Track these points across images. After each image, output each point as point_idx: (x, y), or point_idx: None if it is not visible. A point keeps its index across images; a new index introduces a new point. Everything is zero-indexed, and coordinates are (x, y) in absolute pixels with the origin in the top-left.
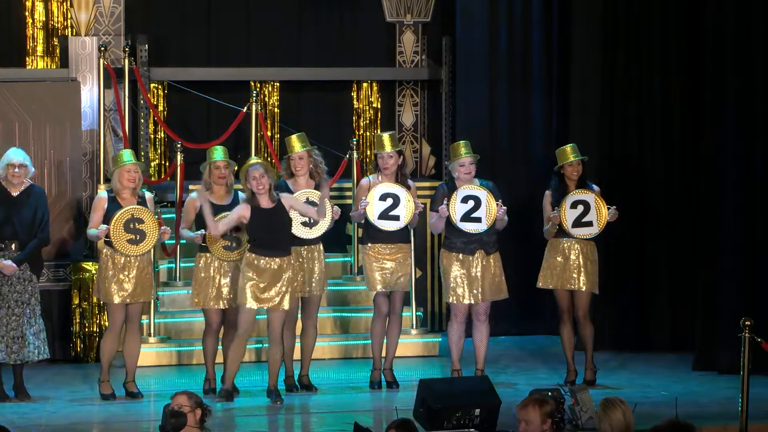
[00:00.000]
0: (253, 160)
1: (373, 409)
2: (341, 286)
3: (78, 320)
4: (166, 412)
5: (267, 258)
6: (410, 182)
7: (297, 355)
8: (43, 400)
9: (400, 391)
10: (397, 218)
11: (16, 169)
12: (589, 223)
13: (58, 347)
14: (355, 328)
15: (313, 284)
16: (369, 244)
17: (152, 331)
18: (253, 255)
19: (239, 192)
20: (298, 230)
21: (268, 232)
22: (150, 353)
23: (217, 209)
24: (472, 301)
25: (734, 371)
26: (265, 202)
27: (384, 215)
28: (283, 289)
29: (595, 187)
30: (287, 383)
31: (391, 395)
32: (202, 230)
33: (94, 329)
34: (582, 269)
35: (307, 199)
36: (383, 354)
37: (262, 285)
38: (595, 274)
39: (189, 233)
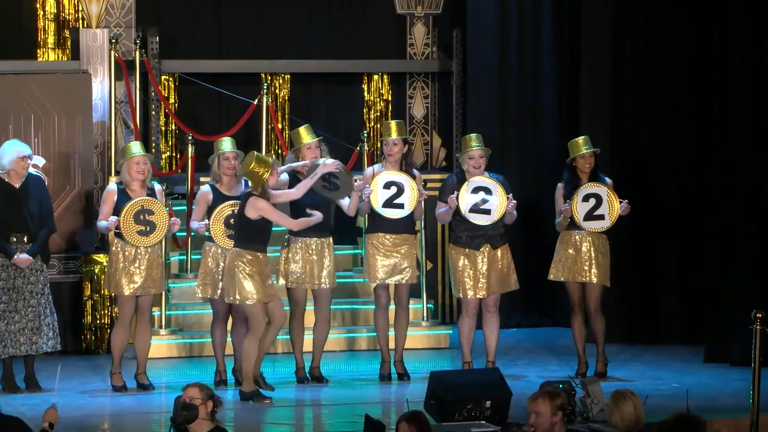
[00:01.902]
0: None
1: (384, 401)
2: (351, 278)
3: (89, 312)
4: (177, 404)
5: (260, 253)
6: (416, 172)
7: (307, 347)
8: (54, 391)
9: (410, 383)
10: (401, 206)
11: (29, 160)
12: (601, 217)
13: (69, 339)
14: (364, 320)
15: (324, 278)
16: (373, 234)
17: (163, 323)
18: (245, 251)
19: (248, 182)
20: (320, 191)
21: (257, 228)
22: (161, 345)
23: (225, 199)
24: (479, 296)
25: (746, 363)
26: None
27: (388, 203)
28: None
29: (608, 180)
30: (298, 375)
31: (401, 387)
32: (206, 220)
33: (106, 321)
34: (593, 261)
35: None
36: (393, 347)
37: (261, 278)
38: (607, 266)
39: (197, 224)
